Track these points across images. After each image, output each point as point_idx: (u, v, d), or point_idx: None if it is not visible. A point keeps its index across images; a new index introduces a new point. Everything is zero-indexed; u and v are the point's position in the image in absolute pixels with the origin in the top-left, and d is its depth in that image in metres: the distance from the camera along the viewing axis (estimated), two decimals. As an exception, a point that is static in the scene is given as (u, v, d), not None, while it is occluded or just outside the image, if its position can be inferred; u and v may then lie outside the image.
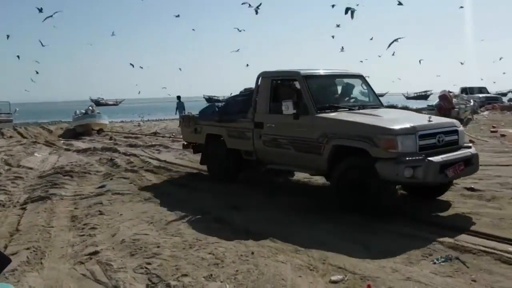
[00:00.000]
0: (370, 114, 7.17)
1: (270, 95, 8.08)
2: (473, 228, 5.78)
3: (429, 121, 6.72)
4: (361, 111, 7.50)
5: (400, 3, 20.14)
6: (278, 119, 7.73)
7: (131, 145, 16.75)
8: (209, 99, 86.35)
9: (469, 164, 6.67)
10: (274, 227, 6.06)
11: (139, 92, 54.86)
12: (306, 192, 8.40)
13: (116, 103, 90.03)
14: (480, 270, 4.47)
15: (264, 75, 8.30)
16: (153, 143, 16.83)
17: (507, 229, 5.68)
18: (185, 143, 10.88)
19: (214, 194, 8.19)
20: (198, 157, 10.42)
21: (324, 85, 8.14)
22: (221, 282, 4.35)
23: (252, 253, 5.02)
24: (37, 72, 36.14)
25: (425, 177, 6.05)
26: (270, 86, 8.12)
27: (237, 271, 4.57)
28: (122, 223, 6.52)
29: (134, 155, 13.66)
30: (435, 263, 4.69)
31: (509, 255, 4.80)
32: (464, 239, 5.39)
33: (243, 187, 8.82)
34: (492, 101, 31.20)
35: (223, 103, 10.23)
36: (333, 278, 4.34)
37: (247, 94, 9.15)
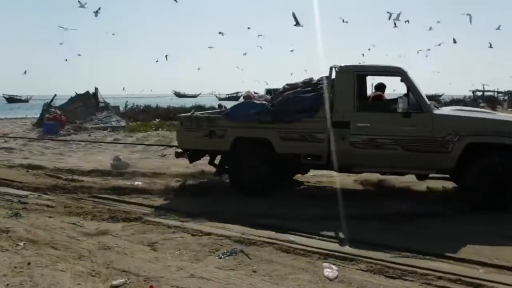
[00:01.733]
0: (480, 111, 7.66)
1: (354, 92, 7.34)
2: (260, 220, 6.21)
3: None
4: (459, 107, 7.87)
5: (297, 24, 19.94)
6: (377, 118, 7.24)
7: None
8: (10, 99, 78.70)
9: None
10: (60, 234, 5.71)
11: None
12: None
13: None
14: (262, 261, 4.75)
15: (343, 70, 7.51)
16: None
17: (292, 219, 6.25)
18: (180, 151, 8.71)
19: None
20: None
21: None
22: (-13, 299, 3.93)
23: (29, 263, 4.62)
24: None
25: None
26: (353, 81, 7.36)
27: (7, 285, 4.15)
28: None
29: None
30: (220, 257, 4.85)
31: (289, 244, 5.22)
32: (251, 232, 5.74)
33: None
34: None
35: (275, 100, 8.22)
36: (115, 282, 4.20)
37: (308, 90, 7.88)
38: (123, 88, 42.58)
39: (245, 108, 8.07)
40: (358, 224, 6.05)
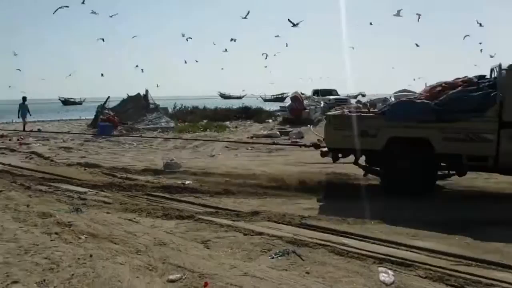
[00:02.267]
0: None
1: None
2: (312, 222, 6.16)
3: None
4: None
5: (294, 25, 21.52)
6: None
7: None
8: (65, 101, 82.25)
9: None
10: (118, 229, 5.93)
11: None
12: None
13: None
14: (314, 263, 4.74)
15: None
16: (-1, 147, 15.63)
17: (344, 222, 6.19)
18: (325, 150, 8.61)
19: (59, 196, 7.83)
20: (43, 161, 9.67)
21: None
22: (54, 287, 4.15)
23: (91, 255, 4.86)
24: None
25: None
26: None
27: (72, 275, 4.38)
28: (-48, 231, 5.92)
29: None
30: (273, 257, 4.89)
31: (342, 247, 5.16)
32: (303, 233, 5.71)
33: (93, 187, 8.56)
34: (341, 103, 33.12)
35: (430, 98, 7.94)
36: (171, 277, 4.33)
37: (474, 89, 7.63)
38: (157, 85, 43.46)
39: (405, 107, 7.88)
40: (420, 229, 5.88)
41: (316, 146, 9.82)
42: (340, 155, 8.48)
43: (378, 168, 8.22)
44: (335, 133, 8.18)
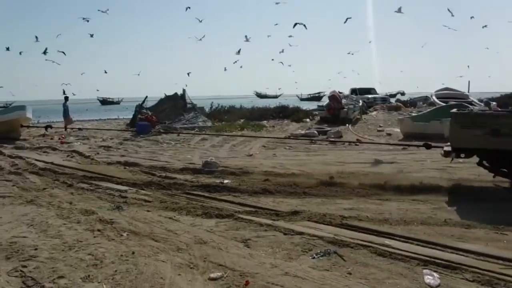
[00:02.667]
0: None
1: None
2: (353, 222, 6.04)
3: None
4: None
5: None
6: None
7: (17, 147, 15.79)
8: (103, 101, 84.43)
9: None
10: (158, 227, 5.99)
11: None
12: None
13: None
14: (356, 263, 4.65)
15: None
16: (41, 145, 16.07)
17: (385, 223, 6.04)
18: (449, 149, 8.14)
19: (101, 194, 8.01)
20: (83, 159, 9.85)
21: None
22: (98, 282, 4.24)
23: (133, 252, 4.93)
24: None
25: None
26: None
27: (116, 271, 4.46)
28: (0, 226, 6.14)
29: (20, 157, 12.96)
30: (314, 257, 4.83)
31: (385, 248, 5.05)
32: (343, 233, 5.61)
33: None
34: (380, 102, 32.73)
35: None
36: (212, 275, 4.34)
37: None
38: (186, 85, 44.00)
39: None
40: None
41: (427, 146, 9.37)
42: (462, 155, 8.14)
43: (506, 170, 7.81)
44: (462, 132, 7.76)
